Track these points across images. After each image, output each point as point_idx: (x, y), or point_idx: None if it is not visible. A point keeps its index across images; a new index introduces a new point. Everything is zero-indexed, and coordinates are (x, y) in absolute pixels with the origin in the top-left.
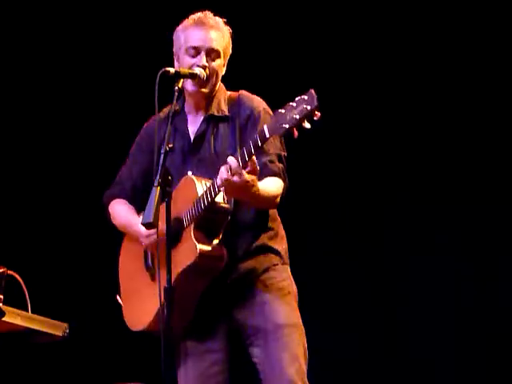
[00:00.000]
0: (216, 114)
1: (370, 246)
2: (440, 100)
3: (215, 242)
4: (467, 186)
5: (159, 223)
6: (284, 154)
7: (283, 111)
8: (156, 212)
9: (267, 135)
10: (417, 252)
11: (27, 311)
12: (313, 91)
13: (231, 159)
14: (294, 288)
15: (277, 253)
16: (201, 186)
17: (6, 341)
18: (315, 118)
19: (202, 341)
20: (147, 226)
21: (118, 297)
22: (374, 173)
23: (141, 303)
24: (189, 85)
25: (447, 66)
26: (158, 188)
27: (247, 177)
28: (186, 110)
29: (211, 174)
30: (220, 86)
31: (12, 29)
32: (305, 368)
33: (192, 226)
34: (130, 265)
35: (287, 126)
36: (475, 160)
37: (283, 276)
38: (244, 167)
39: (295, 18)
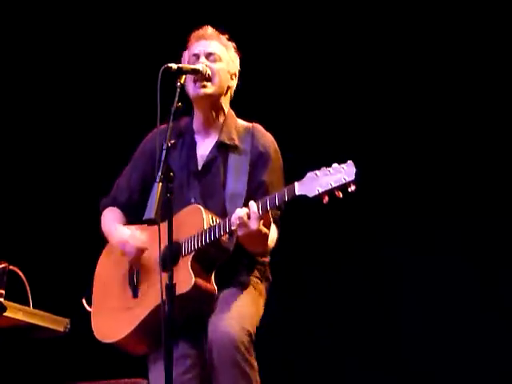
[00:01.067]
0: (227, 142)
1: (369, 255)
2: (438, 107)
3: (210, 277)
4: (465, 193)
5: (149, 250)
6: (285, 200)
7: (318, 174)
8: (158, 208)
9: (297, 193)
10: (415, 259)
11: (29, 306)
12: (352, 164)
13: (252, 204)
14: (262, 298)
15: (259, 272)
16: (208, 219)
17: (8, 336)
18: (349, 191)
19: (181, 346)
20: (149, 222)
21: (83, 301)
22: (373, 180)
23: (116, 316)
24: (191, 87)
25: (452, 76)
26: (160, 184)
27: (262, 227)
28: (194, 127)
29: (214, 204)
30: (230, 112)
31: (12, 29)
32: (250, 329)
33: (191, 256)
34: (109, 273)
35: (321, 190)
36: (474, 168)
37: (257, 282)
38: (261, 217)
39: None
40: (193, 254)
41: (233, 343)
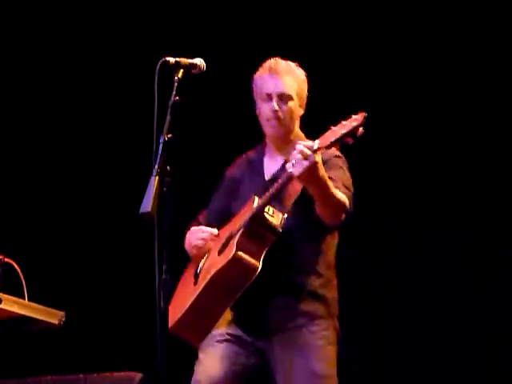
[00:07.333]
0: None
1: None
2: (433, 104)
3: (259, 255)
4: (471, 191)
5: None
6: (350, 188)
7: (335, 128)
8: (154, 201)
9: (315, 147)
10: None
11: (24, 299)
12: (364, 112)
13: (302, 144)
14: (335, 339)
15: (325, 301)
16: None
17: (3, 328)
18: (358, 135)
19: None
20: (145, 215)
21: None
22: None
23: (179, 307)
24: (264, 125)
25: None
26: (157, 177)
27: (318, 159)
28: (266, 151)
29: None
30: (299, 133)
31: (12, 28)
32: None
33: (239, 233)
34: (186, 278)
35: (333, 139)
36: (480, 167)
37: (328, 325)
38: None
39: None
40: (241, 230)
41: None
